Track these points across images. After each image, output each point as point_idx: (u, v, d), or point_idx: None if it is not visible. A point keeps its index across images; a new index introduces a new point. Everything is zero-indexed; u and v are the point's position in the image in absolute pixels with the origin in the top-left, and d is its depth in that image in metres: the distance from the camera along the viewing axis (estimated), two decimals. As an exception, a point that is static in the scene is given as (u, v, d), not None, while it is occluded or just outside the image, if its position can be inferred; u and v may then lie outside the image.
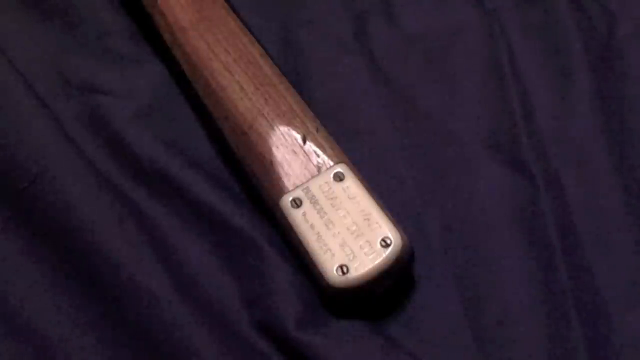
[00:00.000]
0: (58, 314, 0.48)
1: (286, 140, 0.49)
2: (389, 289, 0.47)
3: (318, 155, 0.48)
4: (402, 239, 0.46)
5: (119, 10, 0.59)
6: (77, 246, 0.48)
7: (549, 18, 0.59)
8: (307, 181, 0.48)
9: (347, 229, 0.46)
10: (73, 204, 0.48)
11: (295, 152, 0.48)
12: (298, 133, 0.49)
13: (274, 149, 0.49)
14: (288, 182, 0.48)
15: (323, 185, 0.47)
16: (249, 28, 0.55)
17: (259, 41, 0.54)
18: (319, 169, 0.48)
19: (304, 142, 0.49)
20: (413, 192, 0.52)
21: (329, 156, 0.49)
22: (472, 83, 0.56)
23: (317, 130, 0.50)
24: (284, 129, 0.49)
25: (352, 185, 0.47)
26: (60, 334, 0.47)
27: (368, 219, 0.46)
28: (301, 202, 0.47)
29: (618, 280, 0.49)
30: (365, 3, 0.60)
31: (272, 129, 0.49)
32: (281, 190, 0.48)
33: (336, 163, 0.48)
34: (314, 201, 0.47)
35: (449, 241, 0.50)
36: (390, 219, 0.47)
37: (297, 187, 0.47)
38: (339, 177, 0.48)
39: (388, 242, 0.46)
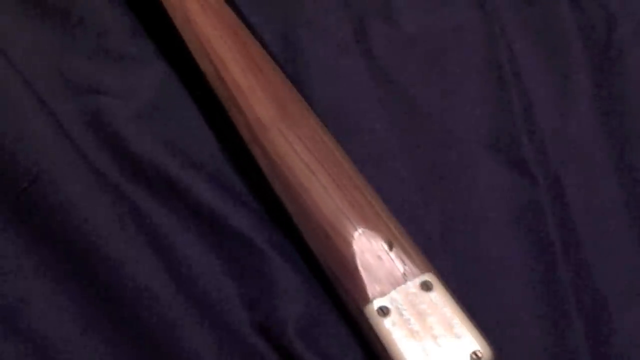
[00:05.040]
0: (58, 314, 0.48)
1: (371, 245, 0.46)
2: None
3: (404, 262, 0.46)
4: (492, 351, 0.44)
5: (119, 10, 0.59)
6: (77, 246, 0.48)
7: (549, 18, 0.59)
8: (394, 289, 0.45)
9: (435, 340, 0.44)
10: (73, 204, 0.48)
11: (380, 258, 0.46)
12: (383, 238, 0.47)
13: (359, 254, 0.46)
14: (374, 289, 0.45)
15: (410, 294, 0.45)
16: (249, 28, 0.55)
17: (259, 41, 0.54)
18: (405, 276, 0.45)
19: (390, 247, 0.46)
20: (413, 192, 0.52)
21: (415, 264, 0.46)
22: (472, 83, 0.56)
23: (403, 236, 0.47)
24: (369, 233, 0.47)
25: (441, 296, 0.45)
26: (60, 334, 0.47)
27: (457, 331, 0.44)
28: (388, 311, 0.44)
29: (618, 279, 0.50)
30: (365, 3, 0.60)
31: (357, 233, 0.46)
32: (367, 298, 0.45)
33: (423, 272, 0.46)
34: (401, 310, 0.44)
35: (449, 241, 0.50)
36: (479, 330, 0.45)
37: (383, 294, 0.45)
38: (426, 286, 0.45)
39: (479, 354, 0.44)
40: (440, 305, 0.45)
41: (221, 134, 0.53)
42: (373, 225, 0.47)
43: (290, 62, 0.57)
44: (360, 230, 0.46)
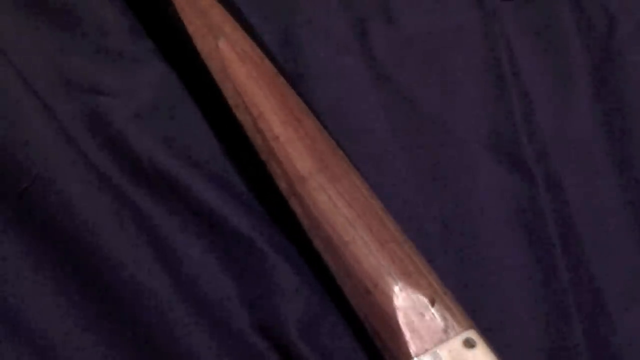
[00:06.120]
0: (58, 314, 0.48)
1: (413, 301, 0.45)
2: None
3: (446, 319, 0.45)
4: None
5: (119, 10, 0.59)
6: (77, 246, 0.48)
7: (549, 18, 0.59)
8: (436, 346, 0.44)
9: None
10: (73, 205, 0.48)
11: (422, 315, 0.45)
12: (426, 295, 0.46)
13: (402, 311, 0.45)
14: (415, 346, 0.44)
15: (452, 351, 0.44)
16: (248, 28, 0.55)
17: (259, 41, 0.54)
18: (447, 333, 0.44)
19: (432, 304, 0.45)
20: (413, 192, 0.52)
21: (457, 321, 0.45)
22: (472, 83, 0.56)
23: (444, 291, 0.47)
24: (410, 289, 0.45)
25: (483, 354, 0.44)
26: (60, 334, 0.47)
27: None
28: None
29: (618, 279, 0.50)
30: (365, 3, 0.60)
31: (399, 289, 0.45)
32: (408, 355, 0.44)
33: (466, 328, 0.45)
34: None
35: (449, 241, 0.50)
36: None
37: (425, 352, 0.44)
38: (469, 344, 0.44)
39: None
40: None
41: (221, 134, 0.53)
42: (414, 281, 0.46)
43: (290, 62, 0.57)
44: (401, 286, 0.45)
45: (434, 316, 0.45)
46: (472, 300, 0.48)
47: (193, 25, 0.52)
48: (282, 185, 0.49)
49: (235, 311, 0.47)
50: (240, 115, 0.50)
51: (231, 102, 0.51)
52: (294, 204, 0.49)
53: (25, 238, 0.49)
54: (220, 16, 0.52)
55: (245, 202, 0.51)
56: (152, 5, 0.56)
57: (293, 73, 0.55)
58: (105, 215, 0.48)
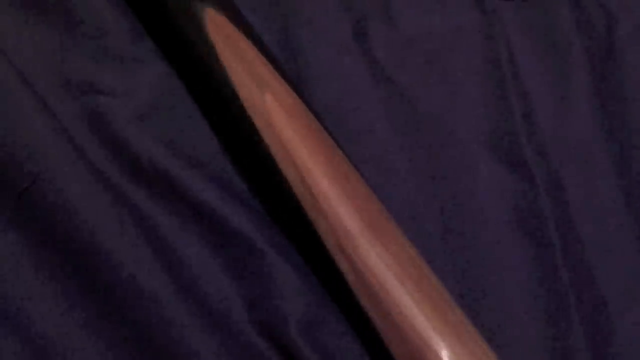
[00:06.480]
0: (58, 313, 0.48)
1: None
2: None
3: None
4: None
5: (119, 10, 0.59)
6: (77, 246, 0.48)
7: (549, 18, 0.59)
8: None
9: None
10: (73, 205, 0.48)
11: None
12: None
13: None
14: None
15: None
16: (249, 28, 0.55)
17: (259, 41, 0.54)
18: None
19: None
20: (413, 192, 0.52)
21: None
22: (472, 83, 0.56)
23: (494, 356, 0.46)
24: (464, 354, 0.45)
25: None
26: (60, 333, 0.47)
27: None
28: None
29: (618, 279, 0.50)
30: (365, 4, 0.60)
31: (453, 354, 0.44)
32: None
33: None
34: None
35: (449, 241, 0.51)
36: None
37: None
38: None
39: None
40: None
41: (222, 134, 0.53)
42: (466, 345, 0.45)
43: (290, 62, 0.57)
44: (456, 351, 0.45)
45: None
46: (472, 300, 0.48)
47: (238, 76, 0.51)
48: (329, 241, 0.48)
49: (235, 311, 0.47)
50: (286, 171, 0.49)
51: (277, 157, 0.50)
52: (339, 260, 0.48)
53: (25, 238, 0.49)
54: (266, 69, 0.52)
55: (245, 202, 0.51)
56: (190, 51, 0.54)
57: (293, 73, 0.55)
58: (105, 215, 0.48)
